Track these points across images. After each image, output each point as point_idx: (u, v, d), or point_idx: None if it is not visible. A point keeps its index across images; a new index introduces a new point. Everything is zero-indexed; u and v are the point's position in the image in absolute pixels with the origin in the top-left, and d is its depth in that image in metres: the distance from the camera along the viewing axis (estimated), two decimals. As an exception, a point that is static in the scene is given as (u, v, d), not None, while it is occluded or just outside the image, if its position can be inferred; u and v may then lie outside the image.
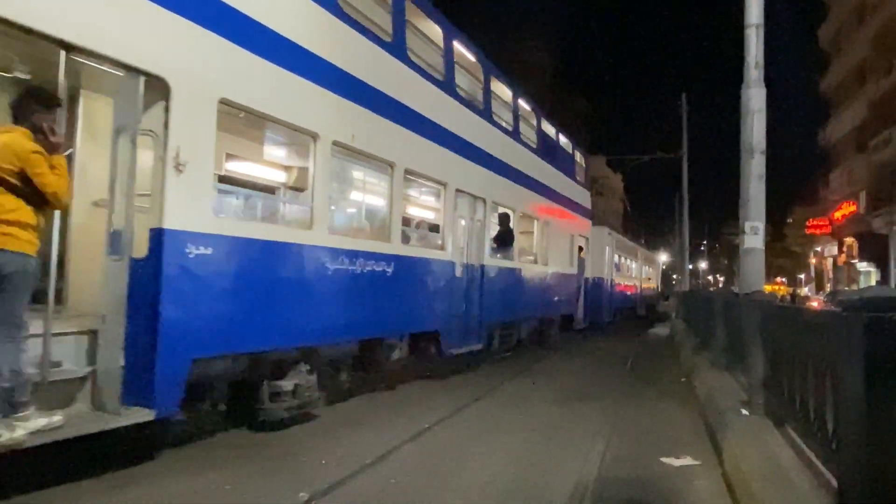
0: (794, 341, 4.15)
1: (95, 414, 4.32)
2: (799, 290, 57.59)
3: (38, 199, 3.84)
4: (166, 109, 4.59)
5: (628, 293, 26.05)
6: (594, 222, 19.07)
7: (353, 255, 6.86)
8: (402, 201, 8.10)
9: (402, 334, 8.31)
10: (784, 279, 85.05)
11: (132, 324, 4.43)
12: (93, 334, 4.47)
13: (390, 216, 7.71)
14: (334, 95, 6.51)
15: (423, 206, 9.57)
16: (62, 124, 4.12)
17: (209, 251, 4.88)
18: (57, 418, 3.96)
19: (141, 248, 4.51)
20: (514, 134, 12.16)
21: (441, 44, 9.27)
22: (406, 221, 8.63)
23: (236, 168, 6.67)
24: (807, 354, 3.87)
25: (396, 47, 7.90)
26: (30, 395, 3.86)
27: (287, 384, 5.87)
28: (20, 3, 3.75)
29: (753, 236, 8.12)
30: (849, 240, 39.24)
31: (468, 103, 10.11)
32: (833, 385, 3.31)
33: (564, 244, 15.30)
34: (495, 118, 11.21)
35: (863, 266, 37.18)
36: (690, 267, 54.13)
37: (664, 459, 5.15)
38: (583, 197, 17.36)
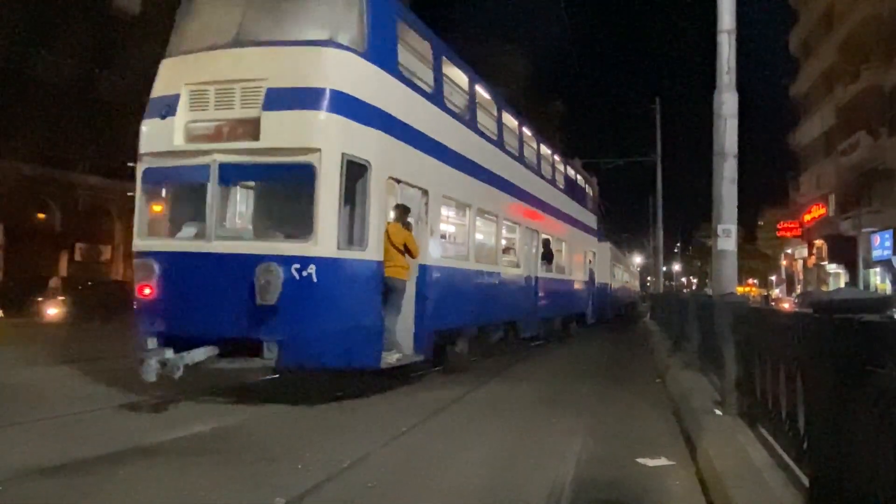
0: (766, 342, 4.21)
1: (405, 356, 8.26)
2: (771, 292, 58.52)
3: (408, 254, 8.05)
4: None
5: (624, 295, 31.99)
6: (599, 238, 23.63)
7: (481, 272, 11.13)
8: (501, 237, 12.21)
9: (499, 324, 12.28)
10: (756, 281, 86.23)
11: (415, 311, 8.52)
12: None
13: (496, 247, 11.94)
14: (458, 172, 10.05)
15: (506, 237, 12.91)
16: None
17: (439, 274, 9.20)
18: (398, 355, 8.03)
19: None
20: (552, 181, 16.21)
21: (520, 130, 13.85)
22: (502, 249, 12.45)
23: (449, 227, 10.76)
24: (778, 355, 3.93)
25: (503, 145, 12.14)
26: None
27: (461, 345, 10.28)
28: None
29: (726, 239, 8.25)
30: (818, 242, 39.97)
31: (523, 161, 13.61)
32: (804, 386, 3.37)
33: (580, 258, 19.32)
34: (542, 172, 15.32)
35: (832, 268, 37.92)
36: (665, 269, 54.76)
37: (640, 460, 5.19)
38: (592, 220, 21.80)
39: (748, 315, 4.77)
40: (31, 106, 25.34)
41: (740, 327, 5.11)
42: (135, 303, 7.37)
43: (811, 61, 40.89)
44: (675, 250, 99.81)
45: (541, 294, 14.50)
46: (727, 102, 8.33)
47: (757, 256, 75.00)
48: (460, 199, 10.18)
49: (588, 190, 21.56)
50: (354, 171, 7.13)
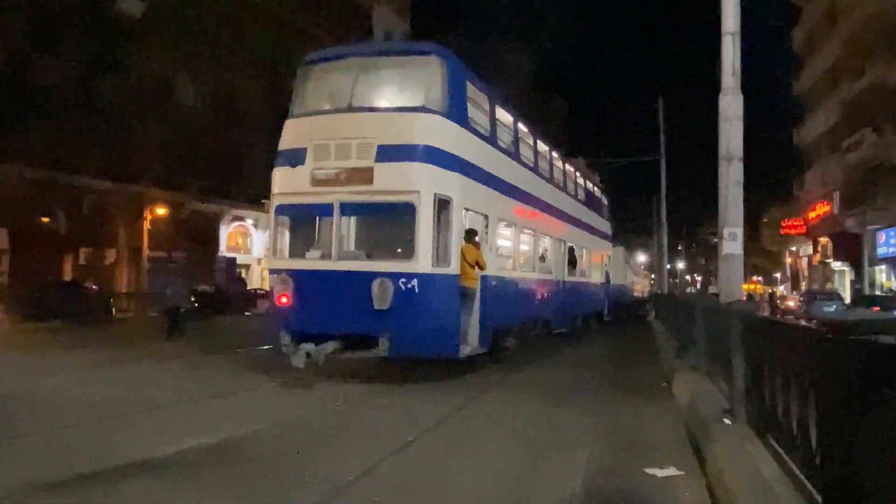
0: (776, 355, 4.17)
1: (474, 348, 10.11)
2: (775, 290, 58.30)
3: (478, 268, 9.88)
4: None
5: (637, 294, 36.57)
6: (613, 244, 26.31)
7: (524, 279, 13.20)
8: (538, 248, 14.25)
9: (537, 321, 14.43)
10: (760, 278, 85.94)
11: (480, 313, 10.23)
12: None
13: (534, 257, 13.94)
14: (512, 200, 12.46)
15: (541, 247, 14.73)
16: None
17: (496, 283, 11.09)
18: (470, 348, 9.85)
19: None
20: (574, 195, 18.39)
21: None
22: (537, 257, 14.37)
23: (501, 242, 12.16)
24: (790, 369, 3.88)
25: (537, 169, 14.40)
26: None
27: (510, 340, 12.25)
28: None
29: (732, 242, 8.20)
30: (823, 239, 39.82)
31: (553, 181, 15.89)
32: (817, 403, 3.32)
33: (598, 262, 21.74)
34: (567, 188, 17.48)
35: (837, 265, 37.75)
36: (668, 266, 54.54)
37: (648, 470, 5.15)
38: (607, 227, 24.16)
39: (757, 325, 4.72)
40: (35, 110, 25.35)
41: (749, 336, 5.06)
42: (273, 308, 9.71)
43: (815, 58, 40.67)
44: (680, 247, 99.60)
45: (568, 295, 16.66)
46: (732, 105, 8.27)
47: (761, 253, 74.56)
48: (509, 220, 12.30)
49: (603, 199, 24.16)
50: (442, 206, 9.39)
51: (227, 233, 40.26)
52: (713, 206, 8.84)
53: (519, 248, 13.11)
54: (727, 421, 5.53)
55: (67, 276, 28.21)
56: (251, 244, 43.29)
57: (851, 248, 33.16)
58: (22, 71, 26.47)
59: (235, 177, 39.74)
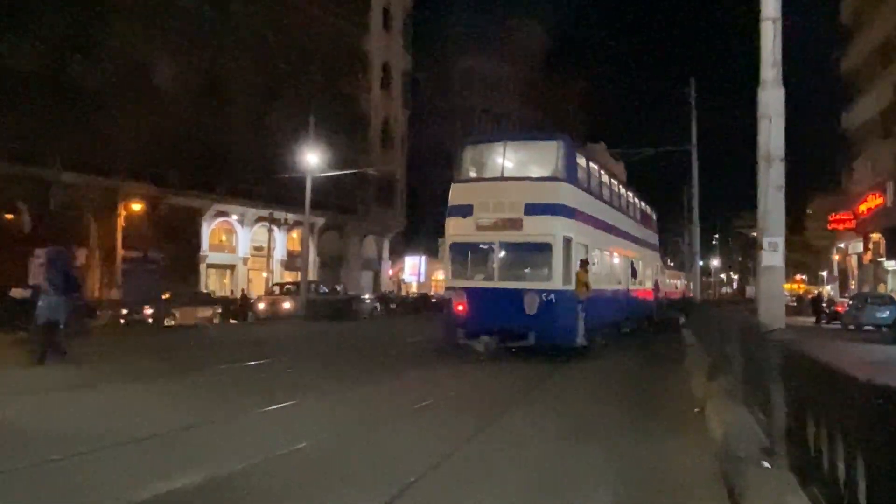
0: (823, 398, 4.11)
1: (580, 342, 15.62)
2: (822, 290, 57.94)
3: (586, 287, 15.68)
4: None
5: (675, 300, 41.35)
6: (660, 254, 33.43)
7: (607, 291, 18.75)
8: (614, 265, 20.50)
9: (614, 322, 20.03)
10: (804, 277, 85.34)
11: (584, 317, 15.57)
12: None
13: (611, 272, 20.00)
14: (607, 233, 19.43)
15: (616, 264, 20.85)
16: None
17: (593, 295, 16.19)
18: (580, 340, 15.59)
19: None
20: (633, 216, 24.11)
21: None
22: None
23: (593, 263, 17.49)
24: (834, 417, 3.83)
25: (613, 203, 20.76)
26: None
27: (598, 336, 17.49)
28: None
29: (772, 253, 8.14)
30: (875, 236, 39.59)
31: (620, 208, 21.78)
32: (867, 464, 3.28)
33: (650, 273, 27.64)
34: (630, 212, 23.40)
35: (891, 265, 37.53)
36: (701, 263, 54.17)
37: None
38: (655, 239, 29.67)
39: (801, 362, 4.66)
40: (-4, 96, 25.42)
41: (790, 373, 5.01)
42: (449, 312, 15.78)
43: (865, 32, 40.37)
44: (714, 242, 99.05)
45: (630, 302, 22.66)
46: (772, 100, 8.20)
47: (805, 249, 74.04)
48: (600, 246, 18.47)
49: (652, 215, 29.54)
50: (566, 243, 15.25)
51: (209, 230, 40.36)
52: (752, 195, 8.79)
53: (603, 266, 19.03)
54: (766, 464, 5.47)
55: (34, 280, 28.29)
56: (236, 242, 43.37)
57: (907, 246, 32.93)
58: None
59: (219, 169, 39.80)
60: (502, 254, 15.92)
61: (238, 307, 34.12)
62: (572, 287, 15.31)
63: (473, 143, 18.48)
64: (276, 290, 36.73)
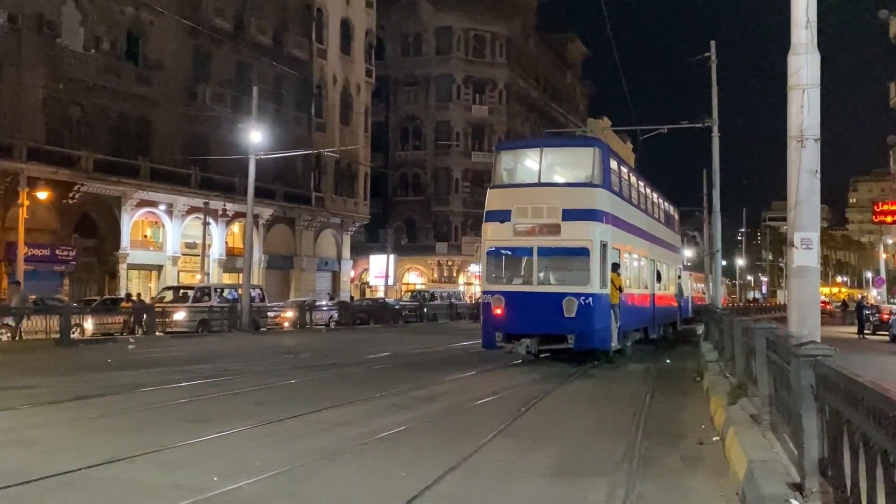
0: (864, 424, 4.14)
1: (614, 345, 19.60)
2: (865, 295, 58.60)
3: (619, 290, 19.38)
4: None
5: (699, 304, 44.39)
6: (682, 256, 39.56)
7: (633, 295, 22.40)
8: (641, 269, 24.18)
9: (641, 327, 24.02)
10: (846, 279, 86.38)
11: (617, 320, 19.53)
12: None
13: (639, 276, 23.86)
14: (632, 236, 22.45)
15: (641, 267, 24.02)
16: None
17: (624, 299, 20.10)
18: (614, 344, 19.38)
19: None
20: (658, 218, 27.64)
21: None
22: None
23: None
24: (882, 446, 3.86)
25: (639, 205, 24.20)
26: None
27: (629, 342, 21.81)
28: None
29: (805, 252, 8.19)
30: (928, 230, 40.12)
31: (647, 212, 25.24)
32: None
33: (674, 276, 31.77)
34: (656, 215, 27.25)
35: (947, 265, 38.09)
36: (724, 263, 54.51)
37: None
38: (677, 240, 34.50)
39: (837, 381, 4.69)
40: None
41: (824, 395, 5.04)
42: (488, 316, 18.77)
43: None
44: (739, 236, 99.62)
45: (657, 306, 25.97)
46: (806, 67, 8.25)
47: (847, 246, 74.82)
48: (630, 250, 21.75)
49: (673, 213, 33.17)
50: (602, 248, 17.90)
51: (130, 222, 40.00)
52: (783, 183, 8.82)
53: (632, 270, 22.48)
54: (795, 502, 5.52)
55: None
56: (163, 238, 43.05)
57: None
58: None
59: (142, 149, 39.46)
60: (540, 258, 18.58)
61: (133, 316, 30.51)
62: (607, 290, 18.27)
63: (508, 148, 23.77)
64: (169, 295, 34.15)
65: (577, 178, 19.44)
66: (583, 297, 17.61)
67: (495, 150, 21.55)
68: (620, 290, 18.85)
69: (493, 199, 19.30)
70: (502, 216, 18.66)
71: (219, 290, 35.94)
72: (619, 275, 18.85)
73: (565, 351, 18.42)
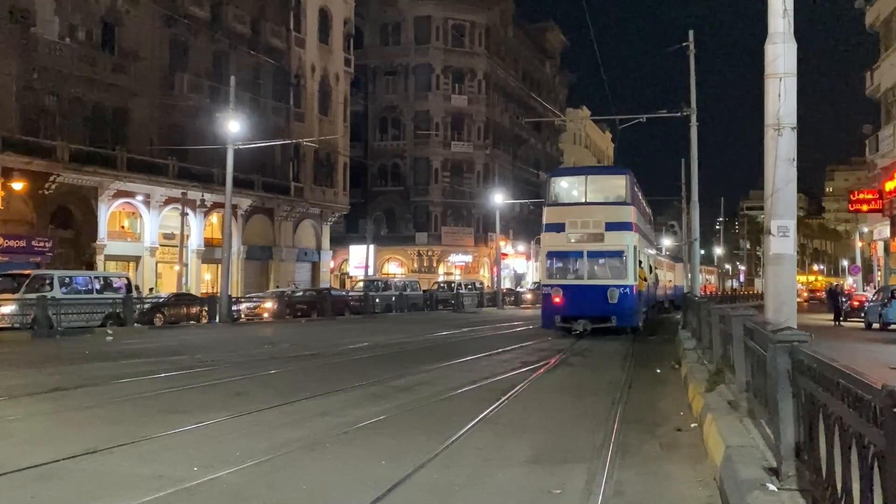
0: (838, 409, 4.19)
1: (640, 324, 28.38)
2: (842, 282, 59.09)
3: (645, 281, 29.63)
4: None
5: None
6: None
7: (647, 284, 32.44)
8: (648, 265, 33.31)
9: (647, 309, 32.75)
10: (822, 267, 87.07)
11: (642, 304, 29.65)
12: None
13: (646, 269, 31.48)
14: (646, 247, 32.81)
15: (644, 261, 30.58)
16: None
17: (643, 288, 29.36)
18: (640, 323, 28.18)
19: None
20: (648, 220, 37.67)
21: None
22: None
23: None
24: (850, 430, 3.91)
25: (642, 210, 33.54)
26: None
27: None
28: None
29: (782, 239, 8.25)
30: (904, 218, 40.44)
31: (647, 218, 37.73)
32: (884, 482, 3.35)
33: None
34: (647, 218, 37.59)
35: (922, 253, 38.48)
36: (703, 252, 54.94)
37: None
38: (652, 235, 42.91)
39: (812, 367, 4.75)
40: None
41: (800, 379, 5.10)
42: (548, 304, 26.47)
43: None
44: (717, 226, 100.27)
45: (652, 294, 34.75)
46: (782, 56, 8.31)
47: (824, 234, 75.34)
48: (643, 251, 28.51)
49: (649, 211, 41.05)
50: (633, 251, 25.76)
51: (108, 213, 39.70)
52: (760, 172, 8.87)
53: (643, 266, 28.57)
54: (772, 487, 5.57)
55: None
56: (141, 229, 42.74)
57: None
58: None
59: (119, 138, 39.14)
60: (589, 259, 25.60)
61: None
62: (636, 282, 25.49)
63: (559, 175, 33.06)
64: None
65: (614, 198, 26.45)
66: (622, 288, 24.98)
67: (549, 176, 30.38)
68: (645, 280, 27.05)
69: (550, 215, 26.66)
70: (558, 227, 25.87)
71: (98, 278, 31.10)
72: (642, 269, 26.53)
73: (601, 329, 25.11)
